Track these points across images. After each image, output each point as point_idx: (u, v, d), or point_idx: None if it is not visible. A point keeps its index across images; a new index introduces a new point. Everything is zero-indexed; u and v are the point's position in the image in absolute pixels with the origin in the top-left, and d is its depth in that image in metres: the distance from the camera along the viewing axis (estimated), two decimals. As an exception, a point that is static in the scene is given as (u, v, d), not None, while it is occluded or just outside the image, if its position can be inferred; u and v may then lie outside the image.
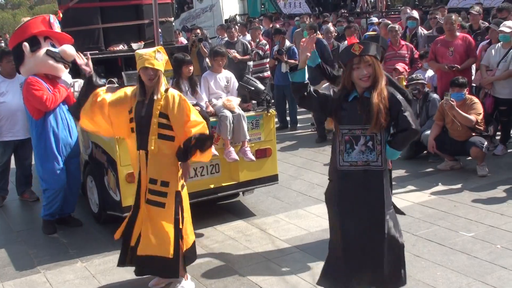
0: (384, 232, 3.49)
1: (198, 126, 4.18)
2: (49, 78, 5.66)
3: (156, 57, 4.11)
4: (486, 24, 9.34)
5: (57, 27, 5.77)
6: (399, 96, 3.46)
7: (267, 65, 10.40)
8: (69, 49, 5.61)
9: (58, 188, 5.69)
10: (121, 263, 4.43)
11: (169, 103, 4.16)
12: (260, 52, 10.33)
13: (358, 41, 3.59)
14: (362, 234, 3.52)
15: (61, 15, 6.24)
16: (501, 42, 7.64)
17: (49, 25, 5.65)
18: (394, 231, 3.55)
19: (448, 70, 7.72)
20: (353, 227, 3.54)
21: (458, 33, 8.00)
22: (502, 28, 7.61)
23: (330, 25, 11.61)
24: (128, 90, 4.36)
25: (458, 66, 7.71)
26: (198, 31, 12.37)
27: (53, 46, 5.64)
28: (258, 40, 10.75)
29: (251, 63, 10.52)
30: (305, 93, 3.55)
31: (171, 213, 4.21)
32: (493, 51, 7.70)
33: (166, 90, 4.22)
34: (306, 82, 3.56)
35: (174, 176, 4.24)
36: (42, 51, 5.55)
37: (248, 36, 11.51)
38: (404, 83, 8.00)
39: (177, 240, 4.23)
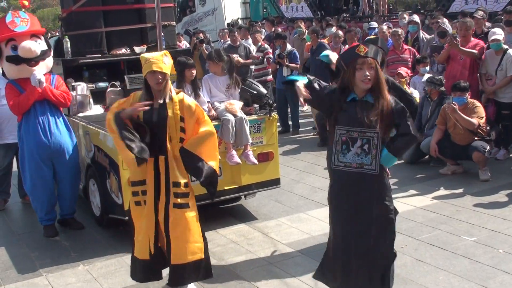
0: (369, 238, 3.49)
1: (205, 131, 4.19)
2: (27, 80, 5.55)
3: (164, 61, 4.06)
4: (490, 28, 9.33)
5: (19, 22, 5.47)
6: (402, 105, 3.47)
7: (269, 69, 10.41)
8: (25, 45, 5.39)
9: (38, 189, 5.69)
10: (146, 279, 4.33)
11: (185, 107, 4.13)
12: (270, 56, 10.36)
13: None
14: (349, 235, 3.54)
15: (25, 2, 5.84)
16: (492, 50, 7.63)
17: (6, 27, 5.47)
18: (383, 240, 3.54)
19: (451, 41, 7.64)
20: (341, 227, 3.58)
21: (472, 38, 7.97)
22: (494, 37, 7.55)
23: (334, 28, 11.63)
24: (131, 98, 4.26)
25: (458, 39, 7.70)
26: (201, 34, 12.38)
27: (15, 48, 5.48)
28: (260, 44, 10.76)
29: (253, 67, 10.54)
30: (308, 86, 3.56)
31: (195, 211, 4.23)
32: (489, 58, 7.69)
33: (178, 93, 4.21)
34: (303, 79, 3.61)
35: (187, 175, 4.25)
36: (4, 58, 5.52)
37: (251, 40, 11.52)
38: (405, 87, 8.01)
39: (204, 239, 4.26)
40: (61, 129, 5.75)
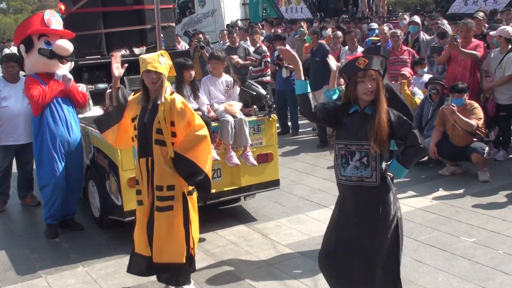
0: (374, 249, 3.46)
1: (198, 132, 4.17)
2: (50, 76, 5.73)
3: (159, 61, 4.05)
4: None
5: (55, 22, 5.73)
6: (404, 118, 3.45)
7: (267, 71, 10.41)
8: (63, 43, 5.64)
9: (55, 184, 5.68)
10: (136, 273, 4.44)
11: (176, 109, 4.10)
12: (268, 60, 10.36)
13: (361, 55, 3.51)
14: (353, 245, 3.48)
15: (62, 7, 6.13)
16: (499, 48, 7.65)
17: (43, 23, 5.65)
18: (388, 251, 3.50)
19: (452, 43, 7.65)
20: (345, 237, 3.51)
21: (473, 39, 7.97)
22: (495, 33, 7.62)
23: (329, 30, 11.63)
24: (133, 98, 4.32)
25: (459, 41, 7.70)
26: (201, 36, 12.37)
27: (48, 43, 5.65)
28: (258, 45, 10.76)
29: (251, 67, 10.54)
30: (312, 110, 3.49)
31: (181, 215, 4.20)
32: (492, 55, 7.72)
33: (172, 94, 4.19)
34: (308, 92, 3.51)
35: (178, 179, 4.19)
36: (35, 50, 5.62)
37: (249, 41, 11.53)
38: (406, 88, 8.02)
39: (188, 244, 4.24)
40: (77, 127, 5.88)
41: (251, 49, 10.76)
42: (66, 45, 5.66)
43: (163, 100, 4.10)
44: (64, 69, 5.84)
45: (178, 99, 4.17)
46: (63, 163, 5.72)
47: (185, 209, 4.22)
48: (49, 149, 5.66)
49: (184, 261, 4.22)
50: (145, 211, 4.23)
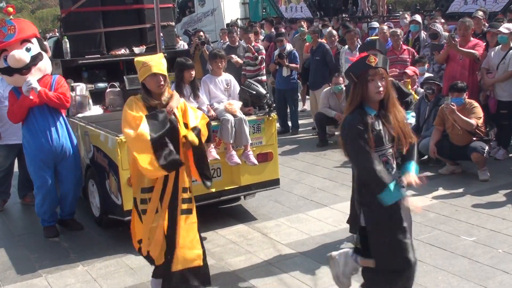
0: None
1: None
2: None
3: (162, 63, 4.02)
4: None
5: (7, 32, 5.39)
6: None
7: (263, 70, 10.39)
8: (14, 56, 5.36)
9: (44, 191, 5.71)
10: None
11: (186, 109, 4.12)
12: (264, 56, 10.34)
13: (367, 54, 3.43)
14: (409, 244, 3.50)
15: (9, 10, 5.68)
16: (500, 45, 7.65)
17: None
18: None
19: (450, 42, 7.63)
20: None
21: (472, 38, 7.96)
22: (500, 29, 7.64)
23: (330, 28, 11.63)
24: (136, 105, 4.02)
25: (457, 40, 7.70)
26: (202, 33, 12.36)
27: (6, 58, 5.45)
28: (253, 44, 10.74)
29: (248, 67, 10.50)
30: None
31: (196, 218, 4.20)
32: (492, 53, 7.72)
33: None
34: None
35: (190, 181, 4.19)
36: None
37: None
38: (409, 87, 8.02)
39: (203, 246, 4.22)
40: (61, 131, 5.73)
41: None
42: (18, 56, 5.36)
43: (180, 102, 4.10)
44: (33, 78, 5.50)
45: (182, 100, 4.21)
46: (49, 171, 5.71)
47: (195, 212, 4.22)
48: (31, 159, 5.68)
49: (202, 263, 4.18)
50: (164, 215, 4.05)
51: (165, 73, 4.05)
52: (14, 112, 5.55)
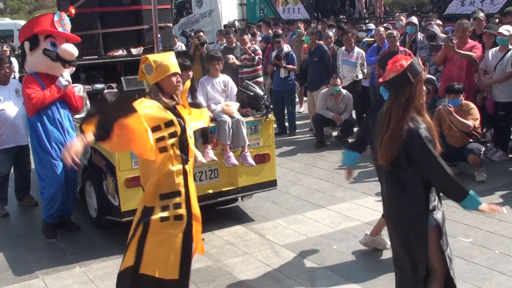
0: None
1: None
2: (50, 77, 5.71)
3: (176, 61, 3.81)
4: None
5: (63, 25, 5.74)
6: None
7: (260, 71, 10.39)
8: (68, 48, 5.64)
9: (58, 183, 5.70)
10: None
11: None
12: (260, 56, 10.34)
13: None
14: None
15: (72, 11, 5.98)
16: (499, 46, 7.67)
17: (52, 24, 5.65)
18: None
19: (447, 43, 7.64)
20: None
21: (469, 40, 7.98)
22: (500, 30, 7.65)
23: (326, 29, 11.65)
24: (154, 104, 3.69)
25: (454, 42, 7.71)
26: (202, 33, 12.36)
27: (54, 45, 5.65)
28: (248, 46, 10.73)
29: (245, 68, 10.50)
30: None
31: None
32: (490, 55, 7.74)
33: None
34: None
35: None
36: (40, 50, 5.61)
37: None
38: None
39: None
40: (71, 128, 5.87)
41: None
42: (71, 49, 5.66)
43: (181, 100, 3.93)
44: (66, 74, 5.85)
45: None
46: (61, 164, 5.71)
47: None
48: (48, 150, 5.67)
49: (177, 277, 3.82)
50: (183, 226, 3.79)
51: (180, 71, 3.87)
52: (43, 99, 5.60)
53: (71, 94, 5.87)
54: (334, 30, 11.75)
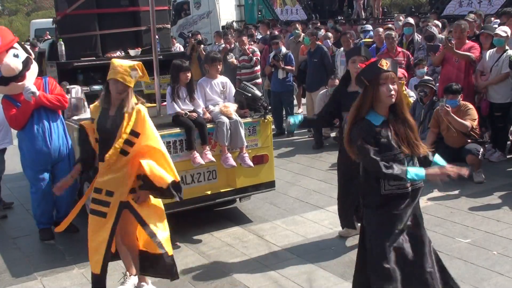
0: None
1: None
2: (20, 93, 5.53)
3: (130, 74, 4.00)
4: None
5: None
6: None
7: (258, 73, 10.39)
8: (6, 65, 5.31)
9: (42, 192, 5.71)
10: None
11: (140, 121, 4.04)
12: (259, 57, 10.34)
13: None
14: None
15: None
16: (496, 48, 7.68)
17: None
18: None
19: (446, 44, 7.65)
20: None
21: (467, 41, 7.98)
22: (497, 31, 7.66)
23: (323, 31, 11.65)
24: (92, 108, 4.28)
25: (453, 42, 7.71)
26: (199, 36, 12.37)
27: None
28: (247, 47, 10.74)
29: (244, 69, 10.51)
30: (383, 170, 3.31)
31: (110, 224, 4.22)
32: (487, 56, 7.75)
33: (137, 103, 4.11)
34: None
35: (123, 187, 4.14)
36: None
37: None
38: (403, 89, 8.03)
39: (107, 258, 4.28)
40: (59, 134, 5.78)
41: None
42: (10, 64, 5.32)
43: (129, 110, 4.04)
44: (29, 83, 5.51)
45: (143, 110, 4.12)
46: (46, 174, 5.73)
47: (116, 219, 4.21)
48: (29, 164, 5.70)
49: (98, 272, 4.30)
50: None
51: (130, 84, 4.04)
52: (18, 120, 5.54)
53: (43, 98, 5.57)
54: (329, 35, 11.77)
